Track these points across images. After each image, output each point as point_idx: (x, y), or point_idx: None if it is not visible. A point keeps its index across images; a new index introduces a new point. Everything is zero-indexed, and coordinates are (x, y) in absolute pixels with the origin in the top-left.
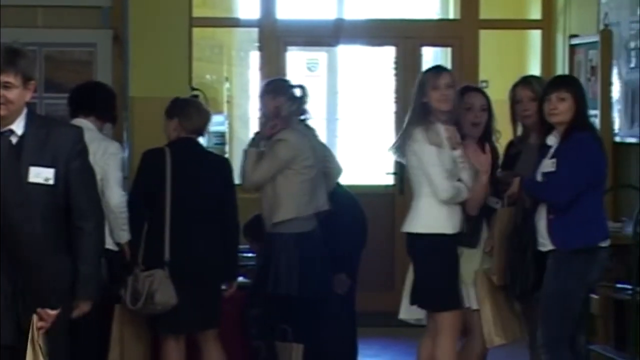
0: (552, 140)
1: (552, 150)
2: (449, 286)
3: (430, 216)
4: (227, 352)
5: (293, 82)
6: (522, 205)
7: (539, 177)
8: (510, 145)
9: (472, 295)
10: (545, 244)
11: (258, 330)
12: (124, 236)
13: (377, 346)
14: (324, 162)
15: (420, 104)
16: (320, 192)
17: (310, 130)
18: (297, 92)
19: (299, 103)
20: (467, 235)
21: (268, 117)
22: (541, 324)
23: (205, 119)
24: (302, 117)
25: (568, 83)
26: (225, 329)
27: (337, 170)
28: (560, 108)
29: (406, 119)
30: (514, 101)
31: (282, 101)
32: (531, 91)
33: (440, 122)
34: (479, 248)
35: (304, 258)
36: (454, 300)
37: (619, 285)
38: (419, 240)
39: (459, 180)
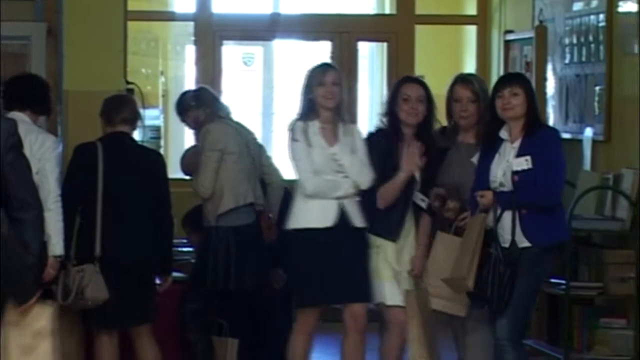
0: (505, 135)
1: (516, 147)
2: (304, 283)
3: (300, 211)
4: (164, 347)
5: (189, 89)
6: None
7: (508, 174)
8: (440, 133)
9: (388, 291)
10: (518, 241)
11: (194, 325)
12: (59, 229)
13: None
14: (259, 158)
15: (307, 100)
16: (257, 186)
17: (240, 125)
18: (201, 95)
19: (207, 104)
20: (385, 227)
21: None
22: (507, 319)
23: (131, 112)
24: (224, 113)
25: (520, 79)
26: (161, 323)
27: (276, 174)
28: (514, 102)
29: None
30: (453, 99)
31: (195, 111)
32: (471, 92)
33: (324, 118)
34: (402, 243)
35: (241, 252)
36: (307, 298)
37: (552, 280)
38: (290, 236)
39: (345, 176)
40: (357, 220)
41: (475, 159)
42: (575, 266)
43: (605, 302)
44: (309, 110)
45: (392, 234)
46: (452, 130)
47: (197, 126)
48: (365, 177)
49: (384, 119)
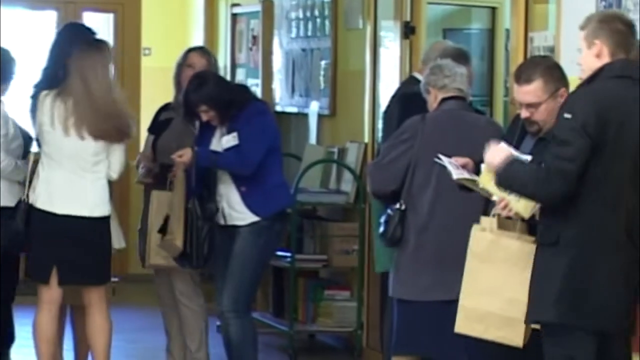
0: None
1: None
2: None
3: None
4: None
5: None
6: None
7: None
8: (163, 109)
9: None
10: (241, 217)
11: None
12: None
13: None
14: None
15: None
16: None
17: None
18: None
19: None
20: None
21: None
22: (231, 290)
23: None
24: None
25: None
26: None
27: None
28: None
29: None
30: (186, 65)
31: None
32: (207, 61)
33: None
34: None
35: None
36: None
37: (278, 253)
38: None
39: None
40: None
41: None
42: (300, 239)
43: (330, 275)
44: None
45: None
46: (177, 104)
47: None
48: None
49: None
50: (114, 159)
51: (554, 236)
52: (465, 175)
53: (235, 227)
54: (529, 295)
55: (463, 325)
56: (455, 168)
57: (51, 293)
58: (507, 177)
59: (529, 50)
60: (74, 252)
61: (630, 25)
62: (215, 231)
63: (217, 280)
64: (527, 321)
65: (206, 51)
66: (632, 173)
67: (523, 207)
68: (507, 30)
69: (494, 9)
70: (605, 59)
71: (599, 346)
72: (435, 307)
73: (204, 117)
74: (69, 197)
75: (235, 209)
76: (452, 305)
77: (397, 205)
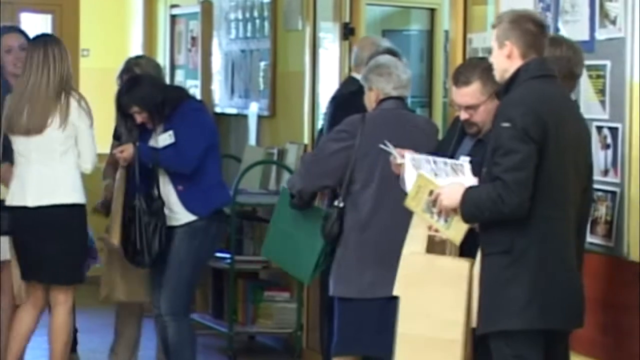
0: None
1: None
2: None
3: None
4: None
5: None
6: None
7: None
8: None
9: None
10: (177, 217)
11: None
12: None
13: None
14: None
15: None
16: None
17: None
18: None
19: None
20: None
21: None
22: (168, 293)
23: None
24: None
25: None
26: None
27: None
28: None
29: None
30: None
31: None
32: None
33: None
34: None
35: None
36: None
37: (218, 254)
38: None
39: None
40: None
41: None
42: (239, 240)
43: (270, 276)
44: None
45: None
46: None
47: None
48: None
49: None
50: (83, 147)
51: (505, 244)
52: (414, 155)
53: (172, 228)
54: (481, 305)
55: (403, 352)
56: (399, 156)
57: (30, 290)
58: (471, 213)
59: (468, 51)
60: (41, 248)
61: (541, 26)
62: (164, 228)
63: (154, 282)
64: (484, 331)
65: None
66: (574, 169)
67: (454, 234)
68: (446, 32)
69: (432, 10)
70: (516, 60)
71: (546, 342)
72: (378, 304)
73: (138, 119)
74: (41, 189)
75: (172, 210)
76: (394, 302)
77: (336, 203)
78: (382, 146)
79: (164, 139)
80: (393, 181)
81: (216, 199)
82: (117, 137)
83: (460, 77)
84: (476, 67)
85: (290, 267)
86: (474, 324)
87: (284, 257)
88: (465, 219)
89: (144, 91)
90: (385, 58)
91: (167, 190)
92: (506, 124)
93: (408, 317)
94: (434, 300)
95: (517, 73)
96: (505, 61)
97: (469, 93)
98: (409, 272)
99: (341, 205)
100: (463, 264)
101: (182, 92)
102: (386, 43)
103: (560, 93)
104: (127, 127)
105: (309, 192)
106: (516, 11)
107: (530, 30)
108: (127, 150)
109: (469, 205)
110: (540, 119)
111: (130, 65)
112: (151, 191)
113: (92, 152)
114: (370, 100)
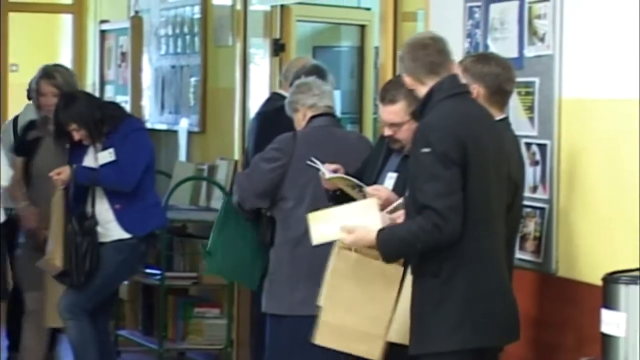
0: None
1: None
2: None
3: None
4: None
5: None
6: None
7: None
8: (28, 128)
9: None
10: (108, 234)
11: None
12: None
13: None
14: None
15: None
16: None
17: None
18: None
19: None
20: None
21: None
22: (71, 294)
23: None
24: None
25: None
26: None
27: None
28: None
29: None
30: (39, 93)
31: None
32: (54, 86)
33: None
34: None
35: None
36: None
37: (147, 271)
38: None
39: None
40: None
41: None
42: (170, 256)
43: (200, 292)
44: None
45: None
46: (42, 122)
47: None
48: None
49: None
50: None
51: (434, 267)
52: (340, 174)
53: (101, 244)
54: (413, 327)
55: (322, 338)
56: (328, 171)
57: None
58: (395, 252)
59: (398, 67)
60: None
61: (439, 49)
62: (96, 247)
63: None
64: (416, 352)
65: (51, 75)
66: (496, 185)
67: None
68: (376, 48)
69: (363, 26)
70: (428, 83)
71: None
72: (310, 321)
73: (76, 136)
74: None
75: (106, 227)
76: None
77: (268, 214)
78: (309, 162)
79: (103, 156)
80: (325, 199)
81: (153, 220)
82: (22, 152)
83: (387, 95)
84: (402, 86)
85: (236, 275)
86: (391, 337)
87: (228, 265)
88: (387, 259)
89: (80, 108)
90: (305, 79)
91: (104, 209)
92: (426, 150)
93: (333, 306)
94: (361, 294)
95: (431, 93)
96: (418, 87)
97: (395, 111)
98: (340, 265)
99: (268, 214)
100: (398, 267)
101: (121, 110)
102: (313, 62)
103: (476, 110)
104: (59, 144)
105: (247, 209)
106: (413, 40)
107: (429, 58)
108: (64, 172)
109: (389, 246)
110: (459, 139)
111: (50, 70)
112: (84, 210)
113: (6, 168)
114: (299, 121)
